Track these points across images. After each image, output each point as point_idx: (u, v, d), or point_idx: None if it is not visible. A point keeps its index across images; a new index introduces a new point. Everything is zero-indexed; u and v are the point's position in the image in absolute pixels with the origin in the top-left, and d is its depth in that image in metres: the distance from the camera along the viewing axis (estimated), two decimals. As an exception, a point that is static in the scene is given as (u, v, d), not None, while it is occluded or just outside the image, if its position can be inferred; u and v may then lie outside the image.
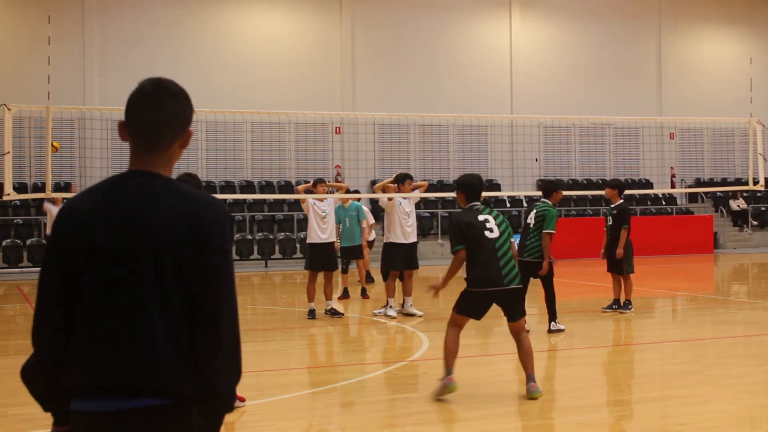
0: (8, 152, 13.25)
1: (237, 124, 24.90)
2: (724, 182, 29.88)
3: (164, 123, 2.44)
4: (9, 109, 13.11)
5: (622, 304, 12.37)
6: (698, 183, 30.16)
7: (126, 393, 2.29)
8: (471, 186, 7.35)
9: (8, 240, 21.69)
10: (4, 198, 13.42)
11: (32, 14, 23.86)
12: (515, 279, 6.93)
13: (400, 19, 27.52)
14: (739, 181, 27.71)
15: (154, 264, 2.33)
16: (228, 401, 2.39)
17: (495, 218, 7.16)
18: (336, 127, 26.19)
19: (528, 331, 10.36)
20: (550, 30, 29.39)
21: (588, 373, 8.29)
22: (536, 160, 28.27)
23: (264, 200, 25.05)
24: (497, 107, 27.77)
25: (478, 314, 7.10)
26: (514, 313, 7.03)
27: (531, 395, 6.85)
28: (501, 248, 6.97)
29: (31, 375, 2.45)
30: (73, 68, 24.05)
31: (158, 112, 2.43)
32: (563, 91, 28.81)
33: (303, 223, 24.56)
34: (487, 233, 6.99)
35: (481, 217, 7.10)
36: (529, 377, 6.96)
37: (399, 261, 11.85)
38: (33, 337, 2.44)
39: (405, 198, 12.20)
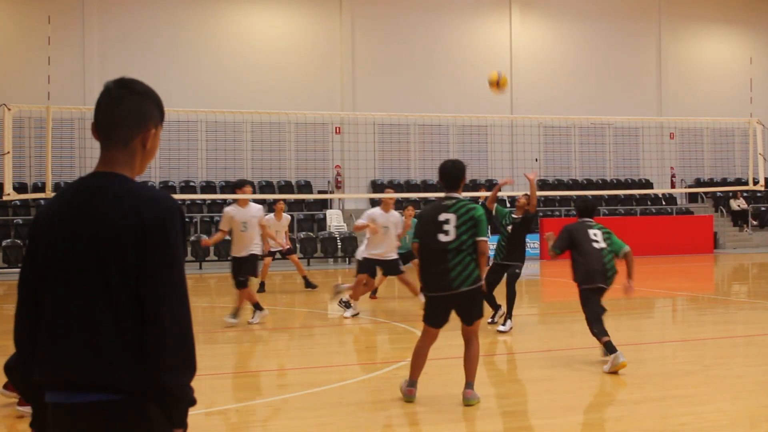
0: (8, 152, 13.26)
1: (237, 124, 24.90)
2: (724, 182, 29.89)
3: (120, 118, 2.51)
4: (9, 109, 13.12)
5: None
6: (698, 183, 30.16)
7: (78, 388, 2.37)
8: (445, 174, 6.79)
9: (8, 240, 21.71)
10: (4, 198, 13.42)
11: (32, 14, 23.86)
12: (466, 281, 6.48)
13: (400, 19, 27.52)
14: (739, 181, 27.71)
15: (100, 264, 2.40)
16: (180, 395, 2.41)
17: (459, 217, 6.53)
18: (336, 127, 26.19)
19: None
20: (550, 30, 29.39)
21: (588, 373, 8.28)
22: (536, 160, 28.27)
23: (264, 200, 25.04)
24: (497, 107, 27.77)
25: (436, 321, 6.73)
26: (469, 317, 6.70)
27: (467, 402, 6.65)
28: (453, 251, 6.47)
29: (11, 370, 2.69)
30: (73, 68, 24.05)
31: (115, 108, 2.52)
32: (563, 91, 28.81)
33: (303, 224, 24.57)
34: (440, 236, 6.49)
35: (442, 216, 6.54)
36: (468, 384, 6.74)
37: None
38: (13, 335, 2.58)
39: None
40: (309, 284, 16.06)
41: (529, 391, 7.36)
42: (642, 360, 8.76)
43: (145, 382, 2.38)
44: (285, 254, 16.06)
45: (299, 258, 23.51)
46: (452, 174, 6.79)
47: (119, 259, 2.38)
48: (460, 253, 6.48)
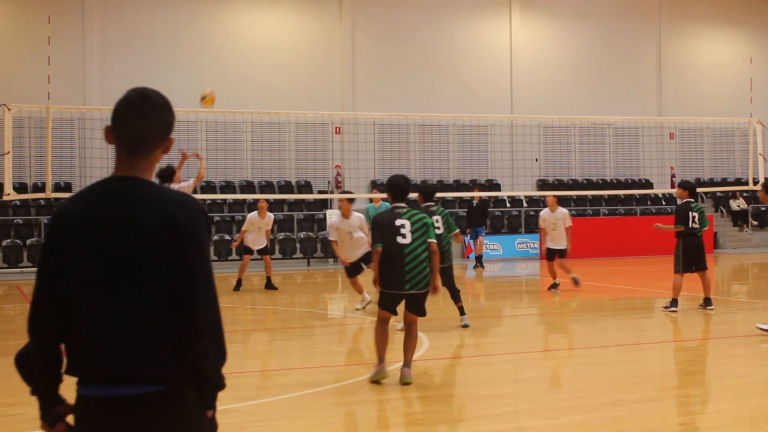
0: (8, 152, 13.28)
1: (237, 124, 24.90)
2: (724, 182, 29.88)
3: (148, 134, 2.67)
4: (9, 109, 13.14)
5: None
6: (698, 183, 30.13)
7: (123, 380, 2.54)
8: (397, 186, 7.55)
9: (8, 240, 21.69)
10: (4, 198, 13.44)
11: (32, 14, 23.85)
12: (418, 284, 7.38)
13: (400, 19, 27.51)
14: (739, 181, 27.71)
15: (136, 263, 2.57)
16: (215, 382, 2.66)
17: (413, 223, 7.39)
18: (336, 127, 26.19)
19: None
20: (550, 30, 29.39)
21: (588, 373, 8.29)
22: (536, 160, 28.27)
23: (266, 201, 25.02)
24: (497, 107, 27.76)
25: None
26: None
27: (405, 380, 7.34)
28: (411, 254, 7.34)
29: (24, 361, 2.71)
30: (73, 68, 24.05)
31: (142, 124, 2.65)
32: (563, 91, 28.80)
33: (303, 223, 24.57)
34: (399, 239, 7.33)
35: (398, 222, 7.37)
36: (406, 363, 7.47)
37: None
38: (28, 326, 2.69)
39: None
40: (270, 285, 16.26)
41: (529, 391, 7.35)
42: (642, 360, 8.77)
43: (182, 371, 2.58)
44: (261, 253, 16.13)
45: (298, 258, 23.56)
46: (404, 187, 7.54)
47: (154, 258, 2.56)
48: (414, 255, 7.38)
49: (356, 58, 27.00)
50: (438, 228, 10.24)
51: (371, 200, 14.53)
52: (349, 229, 12.32)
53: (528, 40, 28.90)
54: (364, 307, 12.64)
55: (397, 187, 7.47)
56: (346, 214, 12.36)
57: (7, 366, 8.46)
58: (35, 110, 18.82)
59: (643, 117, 28.02)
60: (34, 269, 14.68)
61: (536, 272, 21.12)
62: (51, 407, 2.69)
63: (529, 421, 6.32)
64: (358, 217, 12.49)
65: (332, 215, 13.11)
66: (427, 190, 10.52)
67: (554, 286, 15.02)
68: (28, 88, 22.45)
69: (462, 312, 10.79)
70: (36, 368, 2.67)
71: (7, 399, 6.99)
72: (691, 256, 12.02)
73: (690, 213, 12.09)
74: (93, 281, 2.57)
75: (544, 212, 15.26)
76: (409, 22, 27.59)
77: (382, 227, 7.34)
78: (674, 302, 12.00)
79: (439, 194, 25.12)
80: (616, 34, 29.98)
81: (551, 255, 15.01)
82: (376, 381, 7.41)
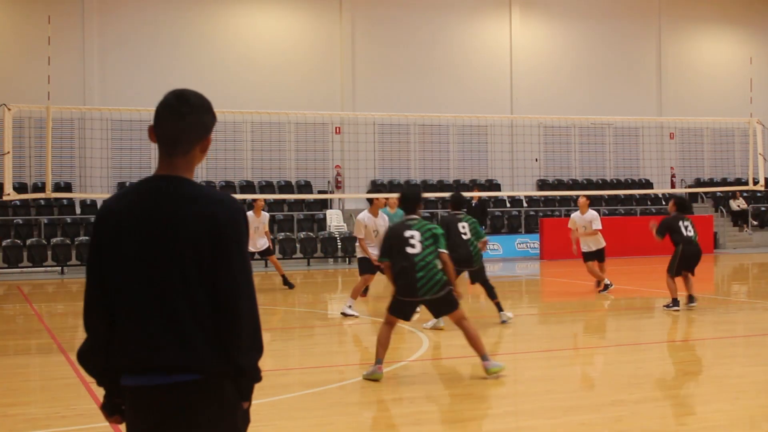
0: (8, 152, 13.28)
1: (237, 124, 24.90)
2: (724, 182, 29.88)
3: (184, 134, 2.78)
4: (9, 109, 13.13)
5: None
6: (698, 183, 30.16)
7: (164, 370, 2.66)
8: (405, 200, 7.77)
9: (8, 240, 21.68)
10: (4, 198, 13.44)
11: (32, 14, 23.86)
12: (432, 289, 7.46)
13: (400, 19, 27.52)
14: (739, 181, 27.70)
15: (178, 260, 2.68)
16: (253, 374, 2.77)
17: (422, 233, 7.54)
18: (336, 127, 26.20)
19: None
20: (550, 30, 29.39)
21: (588, 373, 8.29)
22: (536, 160, 28.27)
23: (264, 200, 25.03)
24: (497, 107, 27.76)
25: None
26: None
27: (492, 371, 7.53)
28: (420, 262, 7.46)
29: (84, 356, 2.83)
30: (73, 68, 24.05)
31: (179, 125, 2.76)
32: (563, 91, 28.80)
33: (303, 224, 24.57)
34: (408, 249, 7.45)
35: (408, 233, 7.51)
36: (483, 357, 7.59)
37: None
38: (84, 323, 2.82)
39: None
40: (287, 283, 16.26)
41: (529, 391, 7.36)
42: (642, 360, 8.77)
43: (221, 362, 2.69)
44: (264, 254, 16.12)
45: (298, 258, 23.55)
46: (413, 199, 7.80)
47: (196, 254, 2.67)
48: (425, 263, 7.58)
49: (356, 58, 27.00)
50: (465, 234, 10.74)
51: (386, 204, 13.62)
52: (376, 228, 12.38)
53: (528, 40, 28.90)
54: (351, 312, 12.25)
55: (405, 200, 7.89)
56: (374, 213, 12.45)
57: (8, 366, 8.46)
58: (35, 110, 18.83)
59: (643, 117, 28.03)
60: (35, 269, 14.94)
61: (536, 272, 21.12)
62: (114, 397, 2.82)
63: (529, 421, 6.32)
64: (383, 218, 12.54)
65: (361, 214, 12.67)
66: (458, 200, 11.07)
67: (606, 287, 14.58)
68: (28, 88, 22.45)
69: (500, 308, 11.12)
70: (97, 363, 2.79)
71: (7, 399, 6.98)
72: (685, 262, 12.16)
73: (681, 223, 12.14)
74: (137, 277, 2.69)
75: (575, 215, 14.96)
76: (409, 22, 27.59)
77: (390, 239, 7.66)
78: (675, 302, 11.99)
79: (439, 194, 25.18)
80: (616, 34, 29.98)
81: (586, 257, 14.73)
82: (369, 379, 7.54)
